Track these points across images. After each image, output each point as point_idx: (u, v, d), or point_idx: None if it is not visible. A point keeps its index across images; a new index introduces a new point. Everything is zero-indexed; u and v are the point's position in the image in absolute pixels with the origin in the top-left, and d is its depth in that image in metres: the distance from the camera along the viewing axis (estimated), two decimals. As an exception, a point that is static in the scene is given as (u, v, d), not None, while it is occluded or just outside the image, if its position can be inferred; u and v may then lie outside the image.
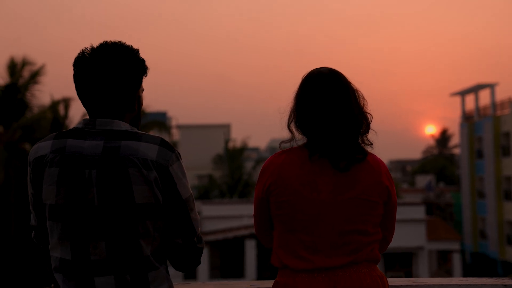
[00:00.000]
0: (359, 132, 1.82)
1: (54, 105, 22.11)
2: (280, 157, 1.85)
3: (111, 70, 1.68)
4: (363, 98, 1.86)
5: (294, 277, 1.78)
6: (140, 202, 1.63)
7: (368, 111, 1.86)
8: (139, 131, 1.71)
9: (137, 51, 1.74)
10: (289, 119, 1.88)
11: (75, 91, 1.74)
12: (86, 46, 1.72)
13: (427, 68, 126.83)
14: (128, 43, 1.75)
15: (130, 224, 1.63)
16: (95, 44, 1.73)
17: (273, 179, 1.82)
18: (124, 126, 1.70)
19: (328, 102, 1.80)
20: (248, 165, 36.12)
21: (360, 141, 1.83)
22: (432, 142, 68.73)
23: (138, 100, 1.78)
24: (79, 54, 1.71)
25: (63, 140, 1.67)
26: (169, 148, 1.69)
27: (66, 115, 22.72)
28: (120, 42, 1.73)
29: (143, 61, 1.75)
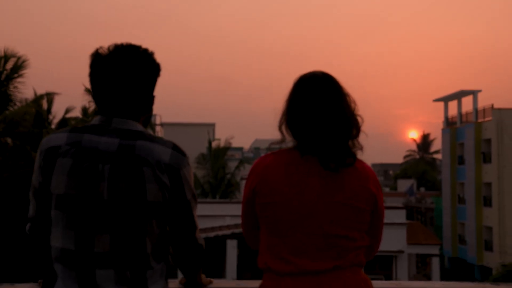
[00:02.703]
0: (350, 135, 1.83)
1: (37, 99, 21.85)
2: (267, 158, 1.86)
3: (131, 73, 1.71)
4: (354, 102, 1.87)
5: (279, 281, 1.77)
6: (151, 200, 1.66)
7: (359, 114, 1.87)
8: (152, 134, 1.74)
9: (153, 54, 1.78)
10: (280, 121, 1.88)
11: (92, 90, 1.77)
12: (101, 46, 1.75)
13: (412, 74, 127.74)
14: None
15: (138, 221, 1.66)
16: (98, 43, 1.77)
17: (259, 180, 1.82)
18: (139, 127, 1.75)
19: (320, 105, 1.80)
20: (232, 164, 36.08)
21: (350, 144, 1.83)
22: (414, 146, 69.27)
23: (152, 103, 1.83)
24: (95, 54, 1.74)
25: (79, 134, 1.70)
26: (181, 152, 1.75)
27: (49, 110, 22.48)
28: (136, 44, 1.76)
29: (159, 65, 1.79)
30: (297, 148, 1.83)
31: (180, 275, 2.23)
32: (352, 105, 1.86)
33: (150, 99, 1.81)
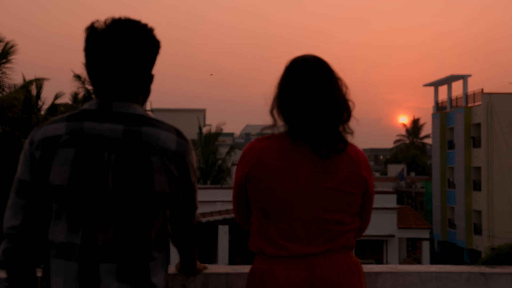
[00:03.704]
0: (341, 119, 1.82)
1: (26, 85, 21.62)
2: (260, 143, 1.84)
3: (129, 49, 1.61)
4: (346, 86, 1.86)
5: (271, 263, 1.78)
6: (158, 190, 1.60)
7: (350, 99, 1.86)
8: (153, 117, 1.67)
9: (153, 30, 1.68)
10: (272, 105, 1.87)
11: (86, 70, 1.65)
12: (97, 19, 1.63)
13: (402, 59, 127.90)
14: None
15: (144, 212, 1.60)
16: (94, 18, 1.65)
17: (252, 165, 1.81)
18: (140, 110, 1.66)
19: (312, 89, 1.79)
20: (223, 150, 36.04)
21: (341, 129, 1.83)
22: (404, 131, 69.49)
23: (152, 82, 1.73)
24: (91, 28, 1.62)
25: (79, 122, 1.61)
26: (184, 138, 1.69)
27: (38, 96, 22.27)
28: (135, 19, 1.66)
29: (159, 41, 1.69)
30: (289, 133, 1.82)
31: (172, 263, 2.20)
32: (344, 89, 1.86)
33: (149, 78, 1.70)
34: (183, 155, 1.66)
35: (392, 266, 2.41)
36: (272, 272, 1.77)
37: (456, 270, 2.37)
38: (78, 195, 1.57)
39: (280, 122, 1.85)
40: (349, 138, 1.85)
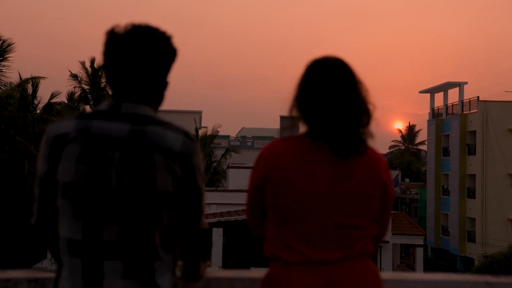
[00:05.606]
0: (361, 123, 1.79)
1: (22, 83, 21.54)
2: (278, 145, 1.81)
3: (146, 55, 1.66)
4: (366, 90, 1.85)
5: (288, 269, 1.74)
6: (161, 189, 1.60)
7: (370, 101, 1.84)
8: (163, 119, 1.69)
9: (171, 37, 1.71)
10: (291, 105, 1.84)
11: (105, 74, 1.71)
12: (118, 24, 1.68)
13: (399, 65, 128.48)
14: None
15: (146, 210, 1.60)
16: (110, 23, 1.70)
17: (270, 167, 1.78)
18: (150, 112, 1.68)
19: (333, 91, 1.77)
20: (218, 153, 36.01)
21: (361, 132, 1.80)
22: (399, 137, 69.65)
23: (166, 89, 1.77)
24: (110, 32, 1.67)
25: (88, 121, 1.64)
26: (192, 139, 1.69)
27: (34, 94, 22.19)
28: (154, 26, 1.70)
29: (176, 49, 1.73)
30: (308, 134, 1.80)
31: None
32: (364, 93, 1.83)
33: (164, 84, 1.75)
34: (189, 156, 1.66)
35: (397, 274, 2.39)
36: (290, 278, 1.73)
37: (461, 279, 2.35)
38: (81, 191, 1.60)
39: (298, 123, 1.83)
40: (369, 142, 1.82)
